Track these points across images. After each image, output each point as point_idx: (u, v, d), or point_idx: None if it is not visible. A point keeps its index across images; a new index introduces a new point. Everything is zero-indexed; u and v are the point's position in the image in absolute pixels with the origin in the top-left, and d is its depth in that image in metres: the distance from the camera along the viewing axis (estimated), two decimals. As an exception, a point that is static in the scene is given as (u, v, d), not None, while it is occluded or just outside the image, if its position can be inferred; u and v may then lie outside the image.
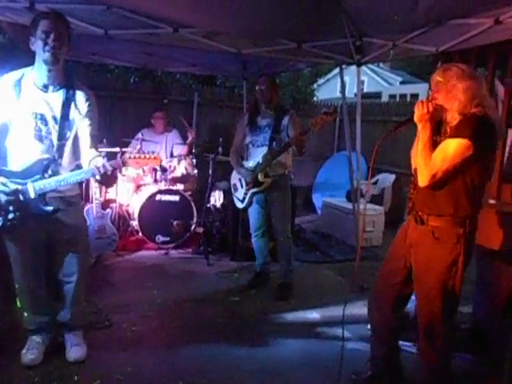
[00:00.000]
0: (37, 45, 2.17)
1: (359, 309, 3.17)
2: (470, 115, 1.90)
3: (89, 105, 2.35)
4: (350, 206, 5.10)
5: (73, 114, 2.30)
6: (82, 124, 2.33)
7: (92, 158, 2.30)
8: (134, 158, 2.22)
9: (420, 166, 1.96)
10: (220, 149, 4.77)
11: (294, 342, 2.93)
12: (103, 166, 2.17)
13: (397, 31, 3.40)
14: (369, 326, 2.73)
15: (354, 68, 4.00)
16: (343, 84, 4.29)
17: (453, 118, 1.96)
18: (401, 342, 2.47)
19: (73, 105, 2.30)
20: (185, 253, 4.60)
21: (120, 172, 2.22)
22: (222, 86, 8.24)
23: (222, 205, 5.10)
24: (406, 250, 2.15)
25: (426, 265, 2.03)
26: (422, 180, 1.95)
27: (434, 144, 1.94)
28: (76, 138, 2.36)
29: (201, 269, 4.15)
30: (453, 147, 1.86)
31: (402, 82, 20.99)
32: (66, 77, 2.31)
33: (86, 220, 3.10)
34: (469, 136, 1.84)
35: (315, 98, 10.21)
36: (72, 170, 2.35)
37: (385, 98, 14.94)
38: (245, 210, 3.74)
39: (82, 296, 2.56)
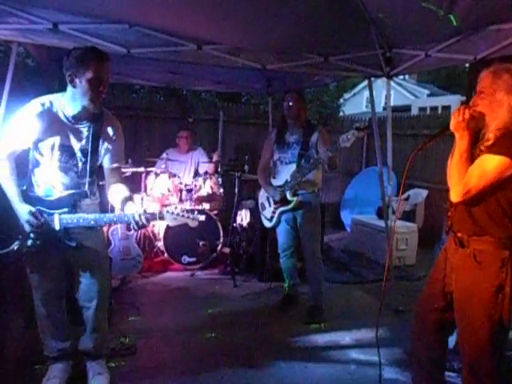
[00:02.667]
0: (81, 86, 2.06)
1: (394, 333, 3.07)
2: (510, 132, 1.76)
3: (117, 138, 2.30)
4: (380, 223, 4.97)
5: (101, 146, 2.26)
6: (108, 156, 2.29)
7: (124, 200, 2.24)
8: (172, 213, 2.15)
9: (453, 179, 1.83)
10: (246, 167, 4.73)
11: (326, 369, 2.80)
12: (140, 218, 2.10)
13: (429, 40, 3.27)
14: (406, 353, 2.59)
15: (379, 82, 3.89)
16: (372, 97, 4.16)
17: (493, 131, 1.81)
18: (446, 373, 2.29)
19: (101, 137, 2.25)
20: (211, 274, 4.54)
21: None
22: (247, 103, 8.25)
23: (249, 224, 5.01)
24: (447, 274, 2.00)
25: (469, 292, 1.88)
26: (455, 195, 1.82)
27: (471, 156, 1.80)
28: (103, 172, 2.33)
29: (227, 290, 4.09)
30: (492, 165, 1.73)
31: (429, 95, 20.62)
32: (99, 110, 2.23)
33: (107, 243, 3.04)
34: (505, 153, 1.71)
35: (341, 113, 10.10)
36: (98, 206, 2.34)
37: (414, 111, 14.62)
38: (273, 229, 3.67)
39: (103, 322, 2.47)
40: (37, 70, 4.89)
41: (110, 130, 2.27)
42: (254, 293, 4.01)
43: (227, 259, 4.50)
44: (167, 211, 2.13)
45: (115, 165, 2.32)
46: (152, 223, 4.74)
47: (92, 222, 2.18)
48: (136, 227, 2.14)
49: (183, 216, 2.13)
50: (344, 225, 6.84)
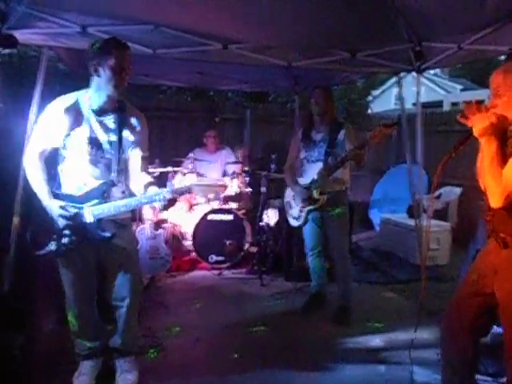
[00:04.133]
0: (104, 74, 2.13)
1: (426, 335, 3.01)
2: None
3: (141, 128, 2.34)
4: (411, 222, 4.85)
5: (126, 137, 2.30)
6: (133, 147, 2.32)
7: (147, 184, 2.28)
8: (199, 185, 2.18)
9: (490, 186, 1.77)
10: (273, 165, 4.70)
11: (356, 371, 2.73)
12: (171, 191, 2.15)
13: (461, 32, 3.15)
14: (438, 355, 2.49)
15: (409, 78, 3.80)
16: (401, 93, 4.08)
17: None
18: (478, 377, 2.25)
19: (126, 128, 2.29)
20: (238, 273, 4.54)
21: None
22: (273, 102, 8.21)
23: (277, 223, 4.97)
24: (487, 275, 1.95)
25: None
26: (495, 201, 1.76)
27: (503, 158, 1.75)
28: (127, 161, 2.35)
29: (254, 290, 4.08)
30: None
31: (462, 90, 20.03)
32: (120, 101, 2.29)
33: (137, 243, 3.08)
34: None
35: (370, 111, 9.95)
36: (123, 193, 2.34)
37: (446, 107, 14.22)
38: (300, 228, 3.63)
39: (134, 321, 2.49)
40: (67, 74, 5.00)
41: (133, 121, 2.31)
42: (282, 292, 3.99)
43: (254, 258, 4.50)
44: (196, 184, 2.16)
45: (140, 154, 2.33)
46: (179, 223, 4.81)
47: (122, 208, 2.21)
48: (165, 203, 2.15)
49: (210, 185, 2.16)
50: (373, 224, 6.74)
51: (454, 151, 1.89)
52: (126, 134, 2.29)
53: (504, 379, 2.04)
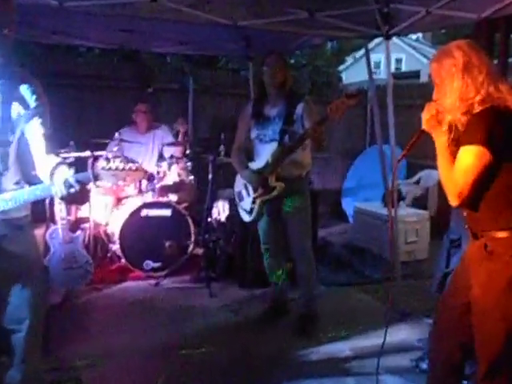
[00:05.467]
0: None
1: (400, 339, 3.24)
2: (477, 114, 1.91)
3: (36, 98, 2.20)
4: (386, 211, 4.95)
5: (16, 112, 2.16)
6: (30, 124, 2.19)
7: (54, 168, 2.12)
8: (109, 169, 2.01)
9: (445, 184, 1.99)
10: (222, 147, 4.71)
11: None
12: (66, 181, 1.98)
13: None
14: (412, 361, 2.94)
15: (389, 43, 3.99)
16: (369, 60, 4.23)
17: (459, 120, 1.98)
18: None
19: (14, 100, 2.15)
20: (181, 282, 4.50)
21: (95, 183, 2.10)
22: (223, 69, 8.13)
23: (228, 218, 5.00)
24: (468, 272, 2.10)
25: (481, 287, 2.00)
26: (451, 199, 1.96)
27: (453, 153, 1.97)
28: (22, 143, 2.21)
29: (202, 301, 4.07)
30: (469, 157, 1.89)
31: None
32: (5, 63, 2.14)
33: (40, 248, 2.92)
34: (479, 140, 1.86)
35: (341, 82, 10.06)
36: (17, 184, 2.19)
37: (424, 78, 14.68)
38: (254, 223, 3.66)
39: (37, 349, 2.37)
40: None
41: (25, 89, 2.17)
42: (235, 302, 4.02)
43: (201, 262, 4.48)
44: (102, 167, 2.00)
45: (40, 132, 2.18)
46: (104, 221, 4.69)
47: (10, 203, 2.09)
48: (70, 198, 2.01)
49: (124, 169, 2.00)
50: (346, 215, 6.90)
51: (408, 150, 2.13)
52: (15, 106, 2.15)
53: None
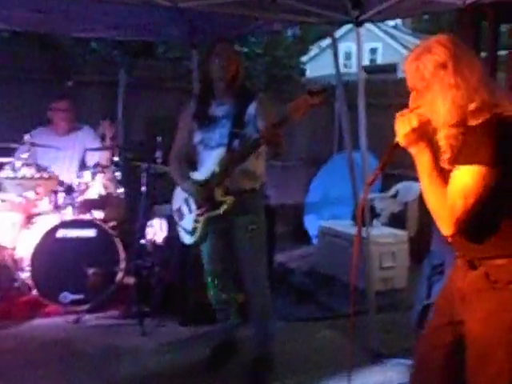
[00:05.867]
0: None
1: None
2: (478, 126, 1.89)
3: None
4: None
5: None
6: None
7: None
8: (15, 178, 2.02)
9: (435, 210, 1.98)
10: (159, 153, 4.71)
11: None
12: None
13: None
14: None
15: (361, 31, 4.04)
16: (336, 51, 4.31)
17: (452, 134, 1.95)
18: None
19: None
20: (107, 317, 4.49)
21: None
22: (162, 58, 8.16)
23: (165, 240, 5.03)
24: (455, 301, 2.14)
25: (483, 323, 2.01)
26: (445, 228, 1.96)
27: (442, 171, 1.97)
28: None
29: (133, 341, 4.06)
30: (470, 177, 1.88)
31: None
32: None
33: None
34: (483, 159, 1.85)
35: (304, 76, 10.24)
36: None
37: (402, 73, 15.09)
38: (197, 246, 3.68)
39: None
40: None
41: None
42: (174, 342, 4.05)
43: (132, 294, 4.47)
44: (6, 177, 2.00)
45: None
46: (11, 244, 4.61)
47: None
48: None
49: (32, 177, 2.02)
50: (309, 236, 6.98)
51: (380, 169, 2.10)
52: None
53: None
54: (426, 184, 1.97)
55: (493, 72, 4.93)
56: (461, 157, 1.91)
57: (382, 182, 7.01)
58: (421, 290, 3.28)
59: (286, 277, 5.44)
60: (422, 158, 1.96)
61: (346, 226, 5.77)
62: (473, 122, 1.89)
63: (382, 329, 4.01)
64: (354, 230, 5.40)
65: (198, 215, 3.50)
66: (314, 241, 6.56)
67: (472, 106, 1.89)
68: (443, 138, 1.96)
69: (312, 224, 6.94)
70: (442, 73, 1.91)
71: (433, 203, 1.97)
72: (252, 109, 3.44)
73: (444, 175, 1.95)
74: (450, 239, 2.08)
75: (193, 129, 3.56)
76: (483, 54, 5.25)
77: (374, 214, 5.71)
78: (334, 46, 4.55)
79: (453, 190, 1.91)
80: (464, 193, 1.88)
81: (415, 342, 2.43)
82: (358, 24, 3.91)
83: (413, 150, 1.98)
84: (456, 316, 2.12)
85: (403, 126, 1.97)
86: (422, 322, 3.10)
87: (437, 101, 1.93)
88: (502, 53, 5.73)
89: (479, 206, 1.90)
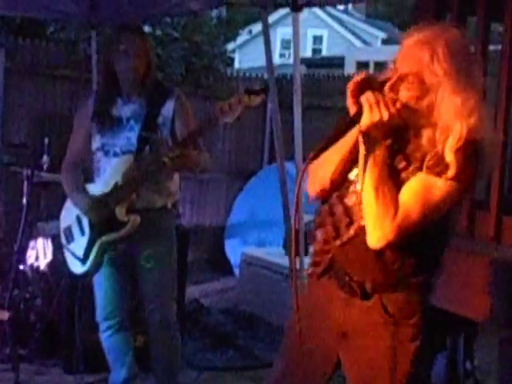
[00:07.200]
0: None
1: None
2: (466, 146, 1.94)
3: None
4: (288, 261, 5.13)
5: None
6: None
7: None
8: None
9: (377, 213, 2.01)
10: (46, 158, 4.78)
11: None
12: None
13: None
14: None
15: (304, 14, 4.13)
16: (267, 38, 4.33)
17: (433, 139, 2.00)
18: None
19: None
20: None
21: None
22: (53, 40, 8.05)
23: (50, 266, 4.99)
24: (334, 341, 2.20)
25: (375, 367, 2.11)
26: (377, 238, 2.01)
27: (394, 172, 2.03)
28: None
29: None
30: (439, 190, 1.96)
31: (385, 41, 21.90)
32: None
33: None
34: (458, 177, 1.94)
35: (231, 67, 10.32)
36: None
37: (350, 68, 15.39)
38: (89, 277, 3.67)
39: None
40: None
41: None
42: None
43: (5, 333, 4.36)
44: None
45: None
46: None
47: None
48: None
49: None
50: (231, 266, 7.03)
51: (325, 144, 2.10)
52: None
53: None
54: (374, 179, 1.99)
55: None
56: (439, 165, 1.95)
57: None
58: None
59: (199, 316, 5.48)
60: (377, 151, 1.99)
61: (275, 255, 5.84)
62: (461, 139, 1.92)
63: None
64: (285, 260, 5.47)
65: (92, 238, 3.46)
66: (236, 271, 6.60)
67: (471, 121, 1.91)
68: (450, 146, 1.95)
69: (234, 251, 6.99)
70: (453, 70, 1.92)
71: (375, 204, 1.99)
72: (167, 109, 3.46)
73: (395, 176, 2.00)
74: (329, 247, 2.14)
75: (91, 132, 3.53)
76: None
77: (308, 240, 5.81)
78: (265, 32, 4.52)
79: (411, 195, 1.97)
80: (425, 202, 1.95)
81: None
82: (297, 8, 3.91)
83: (367, 140, 2.01)
84: (331, 356, 2.21)
85: (374, 112, 1.93)
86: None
87: (444, 103, 1.93)
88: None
89: (429, 222, 1.98)
